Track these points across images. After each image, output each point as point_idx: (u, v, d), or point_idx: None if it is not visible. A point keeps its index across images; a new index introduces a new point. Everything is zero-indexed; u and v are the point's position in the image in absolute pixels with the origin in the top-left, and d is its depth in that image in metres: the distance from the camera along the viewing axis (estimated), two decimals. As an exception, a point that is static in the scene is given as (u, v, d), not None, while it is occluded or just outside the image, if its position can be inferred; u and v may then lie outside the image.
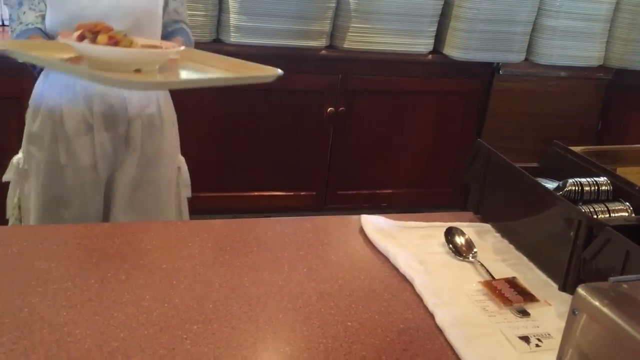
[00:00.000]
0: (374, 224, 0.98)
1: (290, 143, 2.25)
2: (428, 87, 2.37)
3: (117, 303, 0.72)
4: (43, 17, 1.22)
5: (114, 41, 0.94)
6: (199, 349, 0.66)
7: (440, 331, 0.74)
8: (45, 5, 1.22)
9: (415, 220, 1.02)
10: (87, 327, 0.67)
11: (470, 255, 0.91)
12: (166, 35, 1.34)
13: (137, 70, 0.95)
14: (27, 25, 1.20)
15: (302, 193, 2.29)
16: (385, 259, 0.90)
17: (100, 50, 0.93)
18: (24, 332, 0.65)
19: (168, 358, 0.64)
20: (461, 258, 0.91)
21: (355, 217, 1.01)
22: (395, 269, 0.87)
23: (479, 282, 0.84)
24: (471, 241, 0.94)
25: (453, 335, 0.72)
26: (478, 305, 0.80)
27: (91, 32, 0.95)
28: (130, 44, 0.95)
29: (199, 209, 2.17)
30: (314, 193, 2.30)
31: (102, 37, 0.93)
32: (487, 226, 1.02)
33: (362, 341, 0.71)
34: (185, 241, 0.88)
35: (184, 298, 0.75)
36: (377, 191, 2.41)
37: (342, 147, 2.30)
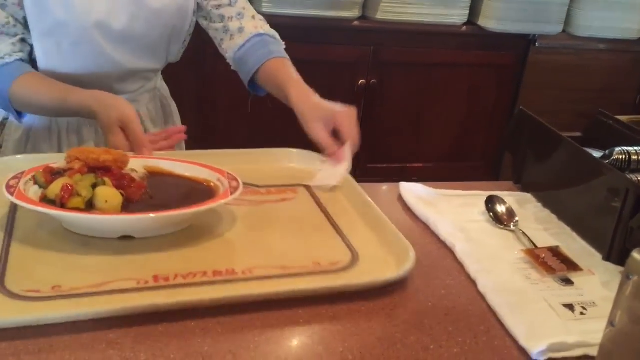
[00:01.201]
0: (413, 191, 0.97)
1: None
2: (461, 60, 2.33)
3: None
4: (23, 41, 0.92)
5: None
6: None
7: (482, 297, 0.73)
8: (22, 23, 0.91)
9: (454, 189, 1.01)
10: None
11: (512, 223, 0.90)
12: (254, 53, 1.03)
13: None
14: (1, 58, 0.91)
15: (332, 166, 2.28)
16: (424, 226, 0.89)
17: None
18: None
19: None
20: (502, 226, 0.90)
21: (393, 185, 1.01)
22: (435, 236, 0.87)
23: (522, 250, 0.83)
24: (512, 210, 0.92)
25: (496, 302, 0.72)
26: (521, 273, 0.79)
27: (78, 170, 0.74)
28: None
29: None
30: (344, 166, 2.30)
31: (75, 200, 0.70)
32: (528, 196, 1.01)
33: (404, 305, 0.71)
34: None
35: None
36: (408, 165, 2.39)
37: (372, 120, 2.27)
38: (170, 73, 1.18)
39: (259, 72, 1.05)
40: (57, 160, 0.80)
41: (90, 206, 0.72)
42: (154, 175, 0.84)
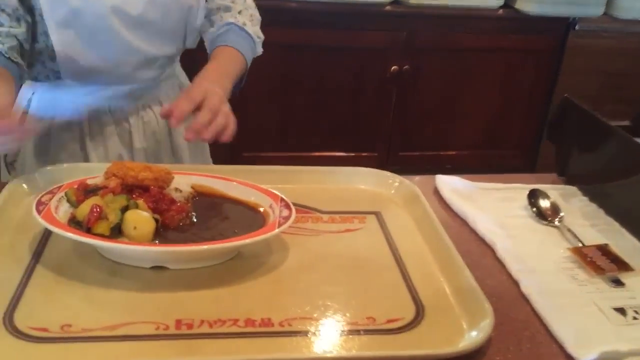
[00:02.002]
0: (450, 184, 0.92)
1: (351, 103, 2.18)
2: (497, 45, 2.24)
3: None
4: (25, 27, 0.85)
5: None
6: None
7: (526, 300, 0.69)
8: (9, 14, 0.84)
9: (493, 181, 0.96)
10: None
11: (556, 219, 0.84)
12: (213, 40, 0.99)
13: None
14: None
15: (363, 154, 2.24)
16: (462, 221, 0.85)
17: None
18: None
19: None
20: (546, 222, 0.84)
21: (429, 177, 0.96)
22: (474, 232, 0.82)
23: (568, 248, 0.77)
24: (557, 204, 0.87)
25: (541, 305, 0.67)
26: (566, 273, 0.73)
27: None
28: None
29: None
30: (376, 154, 2.25)
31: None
32: (573, 189, 0.95)
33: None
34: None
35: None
36: (441, 153, 2.33)
37: (405, 107, 2.22)
38: (188, 60, 1.14)
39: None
40: (100, 172, 0.73)
41: (119, 231, 0.65)
42: (201, 195, 0.77)
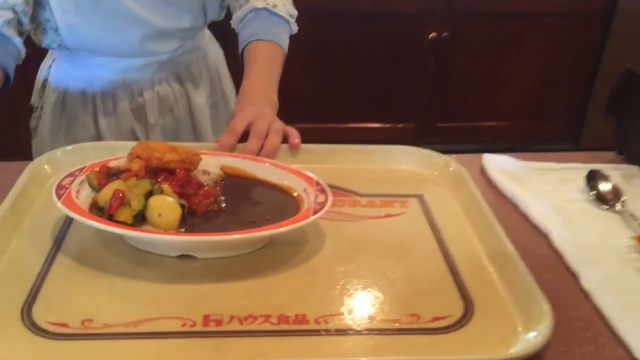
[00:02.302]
0: (499, 164, 0.85)
1: (388, 71, 2.10)
2: (542, 9, 2.12)
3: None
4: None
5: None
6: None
7: (586, 295, 0.62)
8: None
9: (545, 160, 0.88)
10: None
11: (618, 203, 0.77)
12: (242, 30, 0.92)
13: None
14: None
15: (399, 125, 2.17)
16: (513, 206, 0.78)
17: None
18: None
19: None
20: (606, 207, 0.77)
21: (475, 156, 0.89)
22: (526, 218, 0.75)
23: (632, 237, 0.70)
24: (618, 187, 0.79)
25: (604, 302, 0.60)
26: (631, 265, 0.66)
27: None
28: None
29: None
30: (412, 125, 2.17)
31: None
32: (635, 169, 0.86)
33: (491, 302, 0.60)
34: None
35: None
36: (480, 124, 2.23)
37: (444, 76, 2.13)
38: (217, 30, 1.08)
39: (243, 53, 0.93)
40: (125, 152, 0.68)
41: (143, 218, 0.60)
42: (231, 177, 0.71)
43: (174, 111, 0.97)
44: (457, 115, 2.21)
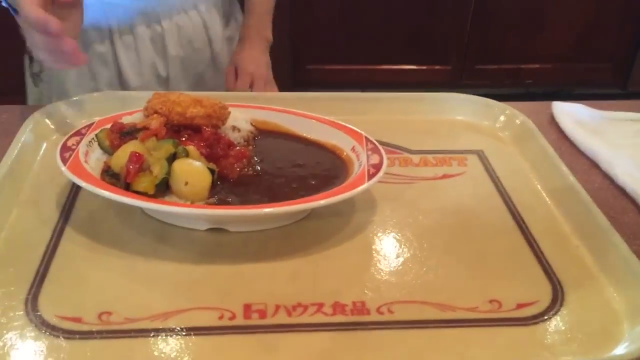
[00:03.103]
0: (572, 114, 0.73)
1: (425, 10, 1.94)
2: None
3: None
4: None
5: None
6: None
7: (687, 273, 0.52)
8: None
9: (623, 109, 0.76)
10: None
11: None
12: None
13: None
14: None
15: (436, 67, 2.02)
16: (591, 163, 0.67)
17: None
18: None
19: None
20: (703, 165, 0.66)
21: (541, 104, 0.77)
22: (607, 178, 0.64)
23: None
24: None
25: None
26: None
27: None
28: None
29: (325, 81, 2.00)
30: (450, 67, 2.02)
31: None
32: None
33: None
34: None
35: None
36: (522, 66, 2.07)
37: (484, 15, 1.96)
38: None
39: None
40: (139, 105, 0.59)
41: (166, 186, 0.51)
42: (264, 134, 0.61)
43: (193, 42, 0.89)
44: (497, 57, 2.05)
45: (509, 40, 2.03)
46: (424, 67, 2.02)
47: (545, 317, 0.46)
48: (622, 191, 0.62)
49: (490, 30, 2.00)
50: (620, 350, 0.43)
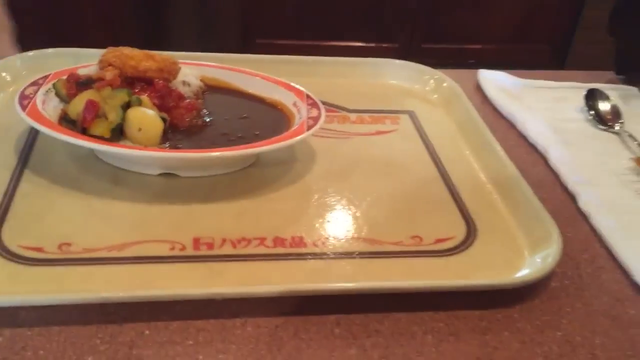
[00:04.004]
0: (496, 81, 0.81)
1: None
2: None
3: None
4: None
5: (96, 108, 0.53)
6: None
7: (584, 217, 0.60)
8: None
9: (543, 78, 0.84)
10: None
11: (617, 124, 0.74)
12: None
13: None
14: None
15: (384, 45, 2.09)
16: (509, 124, 0.75)
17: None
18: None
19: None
20: (605, 128, 0.74)
21: (469, 72, 0.84)
22: (522, 137, 0.72)
23: (631, 158, 0.68)
24: (617, 107, 0.76)
25: (602, 224, 0.59)
26: (631, 187, 0.65)
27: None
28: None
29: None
30: (397, 45, 2.10)
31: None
32: (634, 90, 0.84)
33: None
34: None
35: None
36: (466, 46, 2.16)
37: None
38: None
39: None
40: (93, 61, 0.62)
41: (121, 133, 0.55)
42: (212, 89, 0.66)
43: None
44: (443, 37, 2.14)
45: (455, 20, 2.11)
46: (373, 45, 2.09)
47: (459, 250, 0.53)
48: (534, 148, 0.71)
49: (437, 10, 2.07)
50: (519, 275, 0.50)
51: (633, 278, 0.53)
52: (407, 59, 0.82)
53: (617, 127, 0.74)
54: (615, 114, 0.76)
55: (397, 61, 0.81)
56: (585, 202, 0.61)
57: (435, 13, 2.08)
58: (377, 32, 2.08)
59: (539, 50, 2.25)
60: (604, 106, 0.76)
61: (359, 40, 2.08)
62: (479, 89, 0.82)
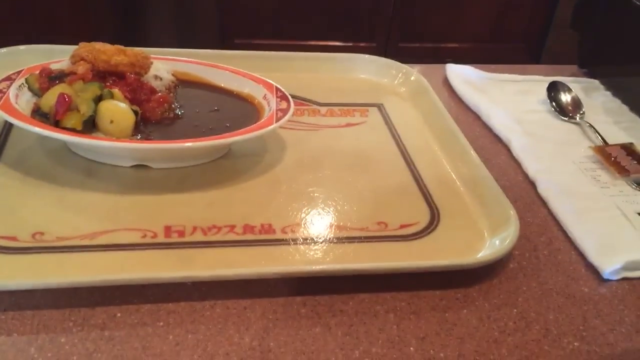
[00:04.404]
0: (462, 74, 0.83)
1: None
2: None
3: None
4: None
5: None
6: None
7: (542, 202, 0.63)
8: None
9: (508, 72, 0.87)
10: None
11: (577, 115, 0.77)
12: None
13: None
14: None
15: (361, 44, 2.11)
16: (474, 116, 0.77)
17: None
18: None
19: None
20: (566, 118, 0.77)
21: (437, 66, 0.87)
22: (487, 128, 0.75)
23: (590, 147, 0.71)
24: (578, 99, 0.79)
25: (559, 209, 0.61)
26: (588, 174, 0.68)
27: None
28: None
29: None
30: (374, 45, 2.12)
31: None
32: (595, 82, 0.87)
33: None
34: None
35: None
36: (442, 45, 2.20)
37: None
38: None
39: None
40: (65, 57, 0.63)
41: (93, 125, 0.56)
42: (184, 84, 0.67)
43: None
44: (420, 36, 2.17)
45: (431, 20, 2.14)
46: (350, 44, 2.11)
47: (423, 235, 0.55)
48: (497, 138, 0.73)
49: (414, 9, 2.10)
50: (481, 255, 0.53)
51: (587, 258, 0.56)
52: (385, 57, 0.84)
53: (577, 118, 0.77)
54: (576, 105, 0.79)
55: (367, 56, 0.84)
56: (544, 188, 0.64)
57: (411, 13, 2.11)
58: (354, 31, 2.10)
59: (514, 48, 2.29)
60: (565, 98, 0.79)
61: (336, 40, 2.10)
62: (446, 82, 0.84)
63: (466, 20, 2.18)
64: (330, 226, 0.55)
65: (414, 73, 0.81)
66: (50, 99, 0.55)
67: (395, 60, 0.84)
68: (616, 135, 0.75)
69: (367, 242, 0.54)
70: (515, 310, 0.49)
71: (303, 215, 0.56)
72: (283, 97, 0.64)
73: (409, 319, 0.47)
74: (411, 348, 0.44)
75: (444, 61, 0.88)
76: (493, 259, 0.52)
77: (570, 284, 0.53)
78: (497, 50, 2.27)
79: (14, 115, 0.54)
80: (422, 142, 0.70)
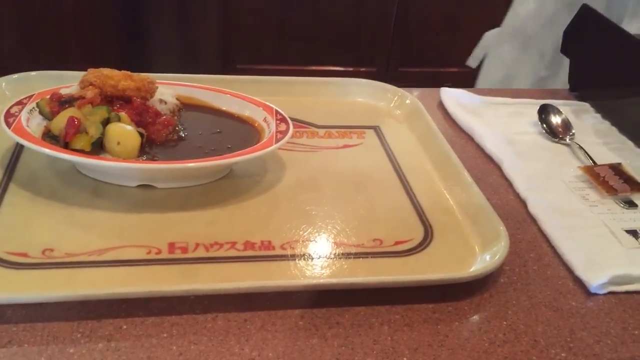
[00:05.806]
0: (456, 98, 0.86)
1: (351, 13, 2.07)
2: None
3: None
4: None
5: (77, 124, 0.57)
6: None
7: (533, 220, 0.65)
8: None
9: (501, 96, 0.90)
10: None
11: (568, 136, 0.80)
12: None
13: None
14: None
15: (362, 69, 2.16)
16: (468, 137, 0.80)
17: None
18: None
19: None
20: (556, 140, 0.80)
21: (432, 90, 0.90)
22: (480, 149, 0.78)
23: (579, 167, 0.74)
24: (568, 121, 0.82)
25: (549, 226, 0.64)
26: (577, 193, 0.70)
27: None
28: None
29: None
30: (375, 69, 2.17)
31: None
32: (586, 105, 0.90)
33: (445, 224, 0.62)
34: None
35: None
36: (442, 70, 2.24)
37: (407, 20, 2.11)
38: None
39: None
40: (74, 83, 0.66)
41: (101, 147, 0.59)
42: (188, 107, 0.70)
43: None
44: (419, 61, 2.21)
45: (430, 45, 2.19)
46: (351, 69, 2.16)
47: (417, 251, 0.58)
48: (489, 158, 0.76)
49: (413, 34, 2.15)
50: (472, 270, 0.55)
51: (575, 273, 0.58)
52: (386, 82, 0.87)
53: (567, 139, 0.80)
54: (566, 127, 0.81)
55: (363, 80, 0.87)
56: (534, 206, 0.66)
57: (410, 37, 2.15)
58: (355, 56, 2.15)
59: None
60: (555, 120, 0.82)
61: (337, 65, 2.15)
62: (441, 106, 0.87)
63: (465, 45, 2.22)
64: (328, 243, 0.57)
65: (409, 96, 0.84)
66: (60, 122, 0.58)
67: (396, 84, 0.87)
68: (605, 156, 0.77)
69: (363, 257, 0.56)
70: (505, 323, 0.51)
71: (301, 232, 0.58)
72: (282, 119, 0.67)
73: (402, 331, 0.49)
74: (404, 359, 0.46)
75: (443, 85, 0.91)
76: (484, 273, 0.54)
77: (559, 298, 0.55)
78: (495, 73, 2.31)
79: (25, 137, 0.57)
80: (417, 162, 0.72)
